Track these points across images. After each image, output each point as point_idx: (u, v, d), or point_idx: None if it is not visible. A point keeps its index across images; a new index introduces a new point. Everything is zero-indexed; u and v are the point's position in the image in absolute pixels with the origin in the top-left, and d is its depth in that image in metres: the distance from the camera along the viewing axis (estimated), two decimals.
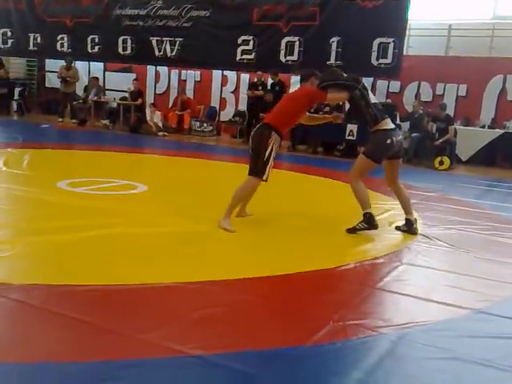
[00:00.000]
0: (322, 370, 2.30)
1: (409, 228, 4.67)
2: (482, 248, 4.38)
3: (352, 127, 10.22)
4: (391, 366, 2.35)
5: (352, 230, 4.49)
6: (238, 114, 12.58)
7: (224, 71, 12.93)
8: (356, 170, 4.58)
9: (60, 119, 12.96)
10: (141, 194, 5.56)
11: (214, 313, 2.76)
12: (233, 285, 3.21)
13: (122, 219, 4.42)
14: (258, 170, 4.39)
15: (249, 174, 4.44)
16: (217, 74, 13.09)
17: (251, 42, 11.66)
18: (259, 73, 11.74)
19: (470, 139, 10.13)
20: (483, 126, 10.45)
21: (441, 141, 9.59)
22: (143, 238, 3.98)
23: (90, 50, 13.38)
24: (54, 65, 14.56)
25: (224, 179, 7.31)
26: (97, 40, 13.25)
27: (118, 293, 2.97)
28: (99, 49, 13.30)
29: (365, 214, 4.47)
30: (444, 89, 11.04)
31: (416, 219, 4.77)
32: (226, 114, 13.05)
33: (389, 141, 4.44)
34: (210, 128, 12.62)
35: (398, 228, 4.77)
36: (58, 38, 13.69)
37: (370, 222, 4.45)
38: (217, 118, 13.01)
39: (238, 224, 4.64)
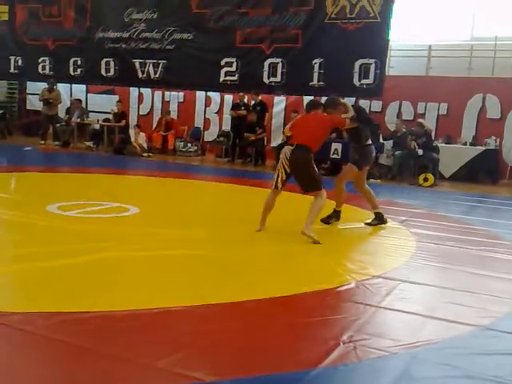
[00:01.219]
0: None
1: (380, 220, 5.68)
2: (476, 264, 4.44)
3: (336, 146, 10.34)
4: None
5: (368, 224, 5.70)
6: (222, 134, 12.64)
7: (208, 92, 13.00)
8: (344, 175, 5.83)
9: (42, 142, 12.84)
10: (133, 217, 5.51)
11: (223, 337, 2.74)
12: (238, 307, 3.20)
13: (117, 243, 4.37)
14: (319, 183, 5.01)
15: (311, 191, 5.02)
16: (200, 94, 13.14)
17: (234, 64, 11.76)
18: (241, 94, 11.85)
19: (452, 156, 10.33)
20: (465, 144, 10.66)
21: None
22: (140, 262, 3.94)
23: (72, 73, 13.33)
24: (34, 87, 14.46)
25: (213, 199, 7.32)
26: (79, 62, 13.21)
27: (122, 319, 2.92)
28: (81, 71, 13.25)
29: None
30: (425, 108, 11.25)
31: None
32: (211, 134, 13.09)
33: (373, 153, 5.80)
34: (195, 148, 12.63)
35: (368, 224, 5.69)
36: (40, 60, 13.61)
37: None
38: (201, 139, 13.04)
39: (237, 244, 4.65)
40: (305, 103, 12.20)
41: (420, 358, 2.60)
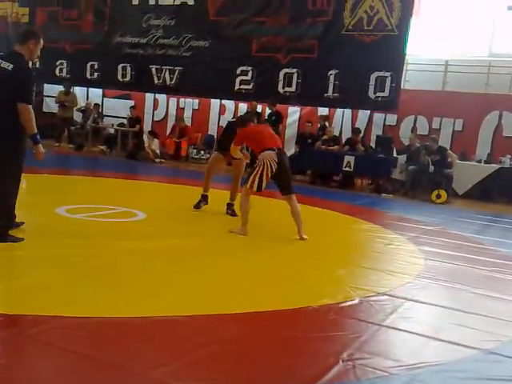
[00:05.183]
0: None
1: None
2: (485, 285, 4.36)
3: (349, 158, 10.28)
4: None
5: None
6: None
7: (222, 100, 13.01)
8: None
9: (56, 144, 12.93)
10: (140, 222, 5.51)
11: (220, 349, 2.71)
12: (238, 319, 3.16)
13: (121, 248, 4.38)
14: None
15: (292, 192, 5.42)
16: (215, 102, 13.14)
17: (250, 73, 11.78)
18: (254, 102, 11.80)
19: (467, 173, 10.16)
20: (479, 161, 10.50)
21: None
22: (144, 268, 3.93)
23: (89, 76, 13.43)
24: (51, 90, 14.57)
25: (222, 207, 7.24)
26: (96, 66, 13.31)
27: (121, 326, 2.92)
28: (98, 75, 13.35)
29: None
30: (440, 123, 11.13)
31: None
32: None
33: None
34: (208, 156, 12.62)
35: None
36: (57, 63, 13.75)
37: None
38: (214, 146, 13.03)
39: (238, 253, 4.61)
40: (319, 114, 12.31)
41: (420, 381, 2.53)
